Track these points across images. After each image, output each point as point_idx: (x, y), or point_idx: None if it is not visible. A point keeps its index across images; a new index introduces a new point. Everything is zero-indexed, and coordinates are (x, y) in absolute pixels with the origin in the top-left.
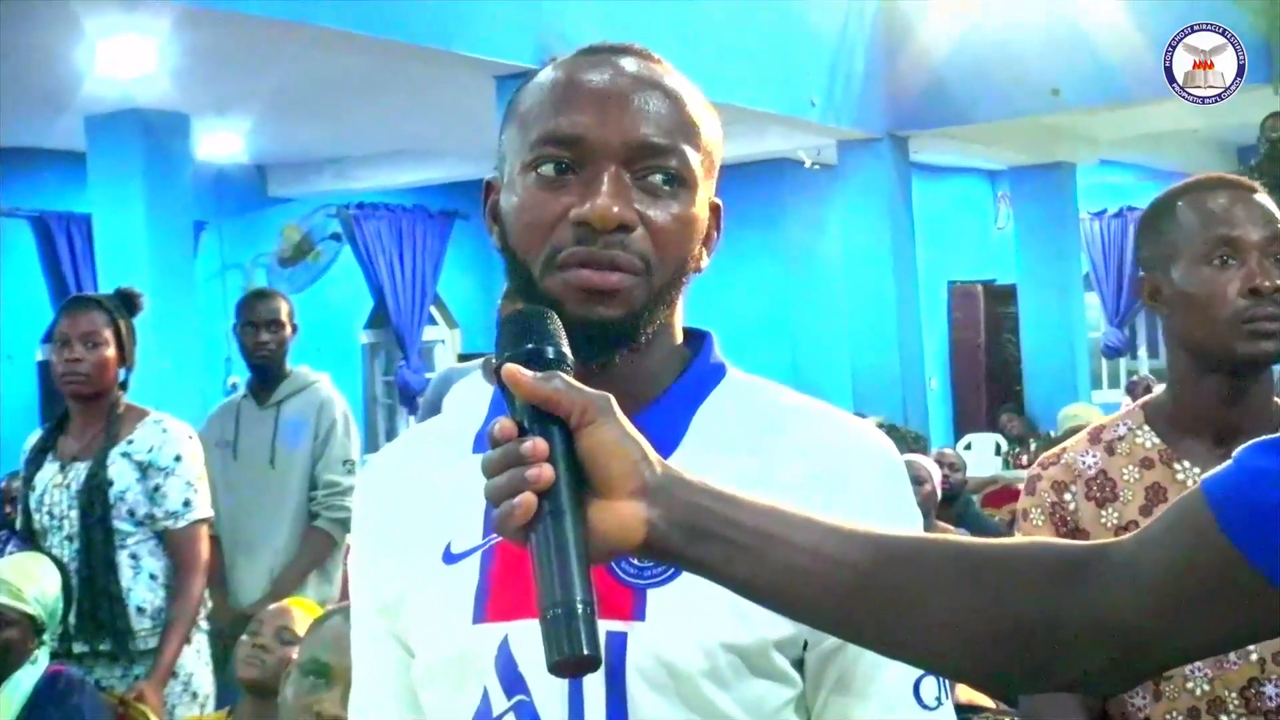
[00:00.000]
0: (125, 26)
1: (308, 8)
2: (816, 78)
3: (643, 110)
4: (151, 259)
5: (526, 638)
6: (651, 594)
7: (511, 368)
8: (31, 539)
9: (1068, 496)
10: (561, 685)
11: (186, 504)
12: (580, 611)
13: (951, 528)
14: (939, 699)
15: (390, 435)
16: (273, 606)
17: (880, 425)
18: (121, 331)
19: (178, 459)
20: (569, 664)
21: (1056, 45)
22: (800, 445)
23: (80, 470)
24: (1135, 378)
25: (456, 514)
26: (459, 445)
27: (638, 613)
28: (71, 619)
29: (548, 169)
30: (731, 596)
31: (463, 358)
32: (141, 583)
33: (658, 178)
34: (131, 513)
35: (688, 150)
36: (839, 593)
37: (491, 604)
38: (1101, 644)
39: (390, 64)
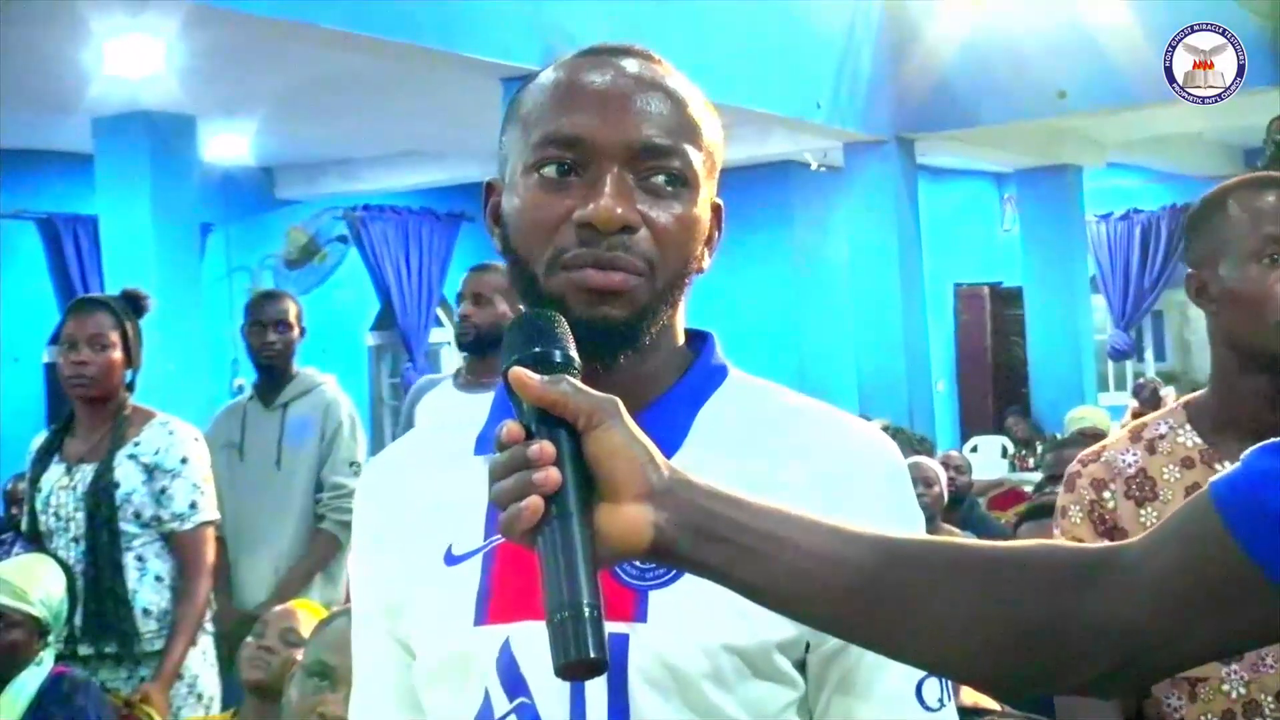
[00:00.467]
0: (132, 28)
1: (314, 9)
2: (822, 80)
3: (645, 111)
4: (158, 261)
5: (528, 639)
6: (653, 595)
7: (519, 371)
8: (37, 540)
9: (1107, 494)
10: (563, 687)
11: (193, 506)
12: (587, 615)
13: (957, 530)
14: (941, 700)
15: (396, 437)
16: (277, 608)
17: (886, 428)
18: (128, 333)
19: (184, 461)
20: (576, 667)
21: (1063, 48)
22: (802, 447)
23: (87, 472)
24: (1141, 380)
25: (458, 516)
26: (460, 447)
27: (639, 614)
28: (77, 621)
29: (550, 171)
30: (733, 598)
31: None
32: (147, 585)
33: (660, 179)
34: (137, 514)
35: (690, 151)
36: (846, 595)
37: (493, 606)
38: (1109, 647)
39: (397, 66)
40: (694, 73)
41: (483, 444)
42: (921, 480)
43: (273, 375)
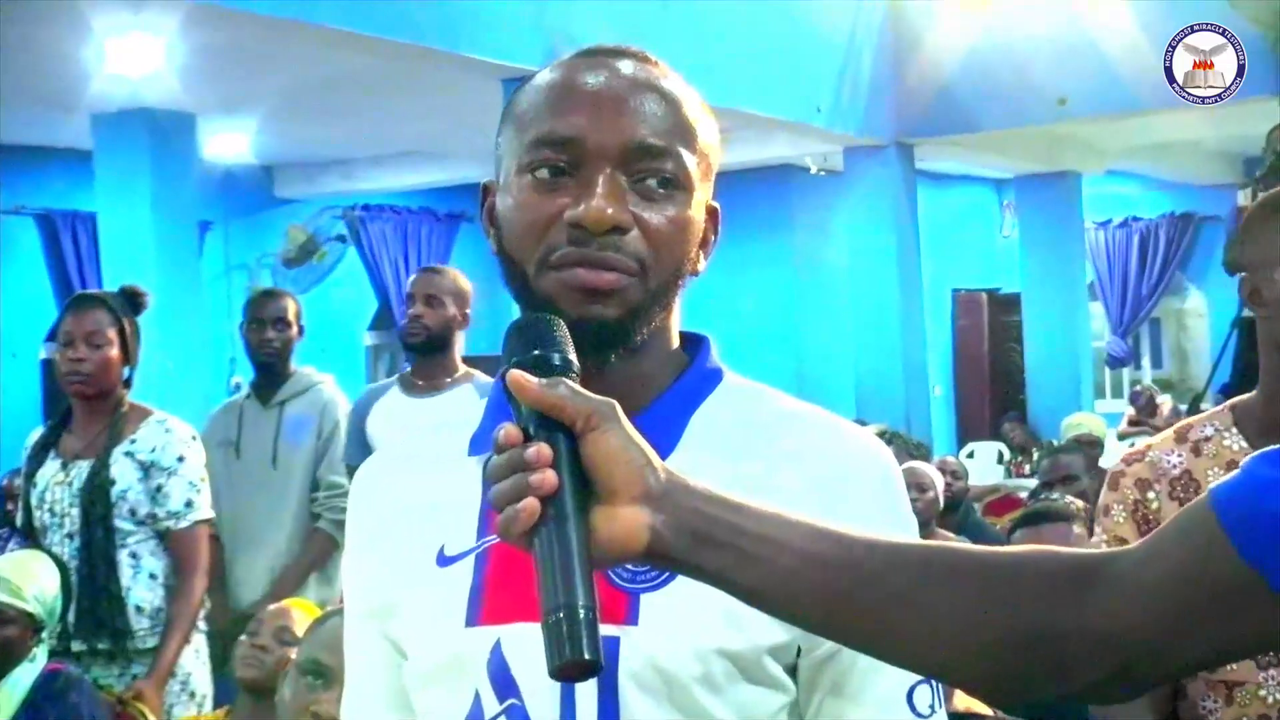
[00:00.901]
0: (133, 25)
1: (315, 8)
2: (823, 84)
3: (639, 112)
4: (157, 258)
5: (519, 641)
6: (645, 598)
7: (517, 374)
8: (31, 536)
9: (1151, 495)
10: (554, 689)
11: (189, 504)
12: (582, 616)
13: (953, 536)
14: (932, 707)
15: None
16: (272, 607)
17: (883, 433)
18: (125, 330)
19: (181, 459)
20: (570, 668)
21: (1064, 55)
22: (797, 451)
23: (83, 468)
24: (1138, 388)
25: (451, 517)
26: (454, 448)
27: (631, 617)
28: (70, 617)
29: (543, 171)
30: (725, 602)
31: (466, 360)
32: (141, 582)
33: (653, 181)
34: (133, 512)
35: (684, 153)
36: (843, 598)
37: (485, 607)
38: (1107, 653)
39: (397, 65)
40: (695, 75)
41: (477, 445)
42: (915, 485)
43: (270, 373)
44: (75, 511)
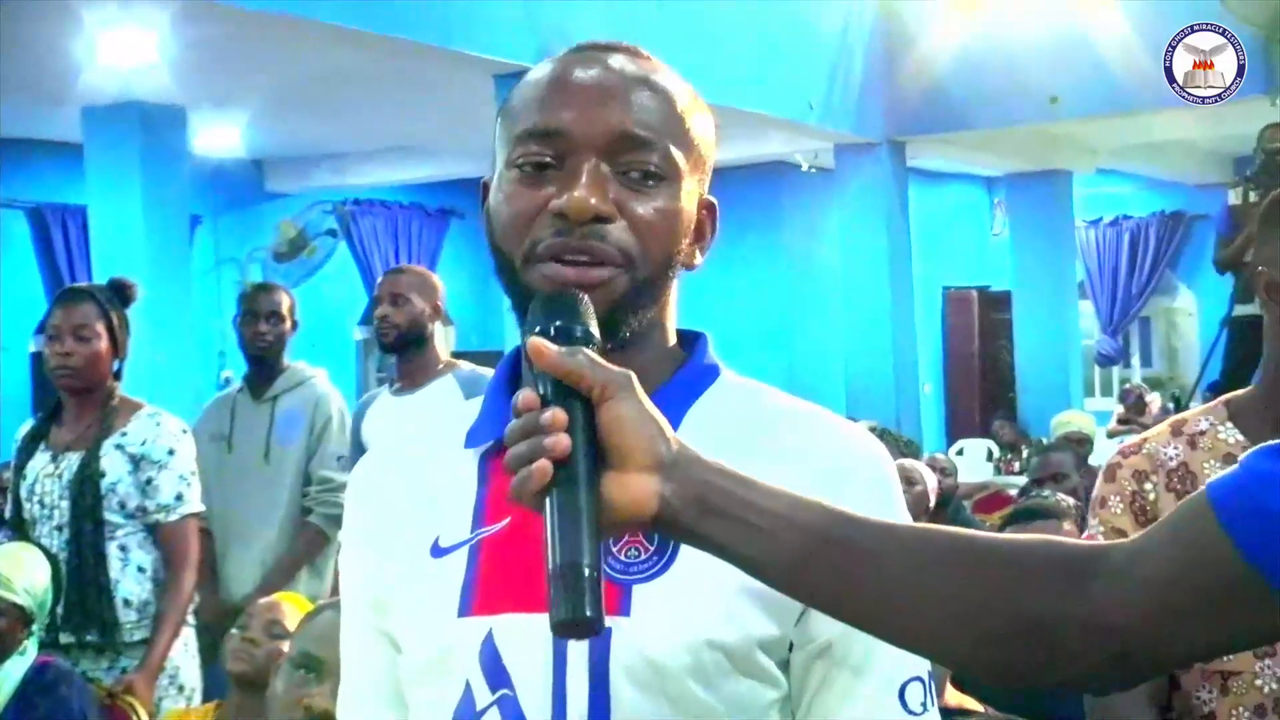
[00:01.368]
0: (124, 19)
1: (307, 3)
2: (815, 81)
3: (625, 104)
4: (147, 252)
5: (511, 632)
6: (637, 590)
7: (537, 341)
8: (20, 528)
9: (1148, 486)
10: (545, 679)
11: (179, 498)
12: (587, 574)
13: None
14: (924, 704)
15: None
16: (263, 600)
17: (873, 430)
18: (114, 323)
19: (171, 452)
20: (570, 626)
21: (1056, 53)
22: (792, 448)
23: (72, 460)
24: (1128, 386)
25: (446, 508)
26: (451, 440)
27: (623, 608)
28: (59, 609)
29: (530, 165)
30: (717, 594)
31: (456, 355)
32: (129, 575)
33: (638, 173)
34: (122, 505)
35: (671, 145)
36: (847, 576)
37: (478, 598)
38: (1104, 643)
39: (389, 61)
40: (687, 72)
41: (473, 437)
42: (905, 479)
43: (263, 367)
44: (65, 504)
